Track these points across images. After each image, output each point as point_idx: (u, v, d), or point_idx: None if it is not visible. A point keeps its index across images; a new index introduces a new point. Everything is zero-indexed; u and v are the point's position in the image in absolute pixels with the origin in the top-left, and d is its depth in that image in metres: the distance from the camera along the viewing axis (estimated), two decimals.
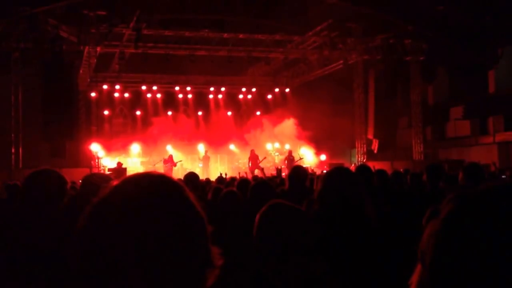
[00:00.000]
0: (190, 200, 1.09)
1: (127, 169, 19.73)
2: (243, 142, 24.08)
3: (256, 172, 19.68)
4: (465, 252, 0.84)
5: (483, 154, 20.19)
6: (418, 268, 0.96)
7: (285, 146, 23.48)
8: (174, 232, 1.01)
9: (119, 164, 19.67)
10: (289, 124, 23.63)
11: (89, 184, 3.29)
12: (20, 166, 18.98)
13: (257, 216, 2.19)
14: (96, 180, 3.29)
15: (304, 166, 13.12)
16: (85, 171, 18.50)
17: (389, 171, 6.84)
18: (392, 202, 5.03)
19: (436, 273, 0.88)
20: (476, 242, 0.83)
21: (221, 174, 13.68)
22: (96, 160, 20.39)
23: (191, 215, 1.07)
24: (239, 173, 18.19)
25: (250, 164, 21.09)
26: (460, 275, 0.84)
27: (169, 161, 21.03)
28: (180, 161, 21.70)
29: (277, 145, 24.24)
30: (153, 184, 1.08)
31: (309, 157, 22.99)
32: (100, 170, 19.88)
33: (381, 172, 5.99)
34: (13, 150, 18.96)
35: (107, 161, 20.99)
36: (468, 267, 0.83)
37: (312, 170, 17.87)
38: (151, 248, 0.98)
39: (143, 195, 1.04)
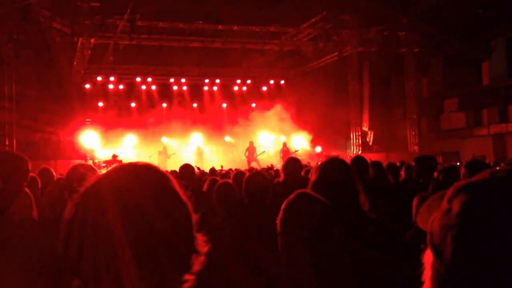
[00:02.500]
0: (174, 188, 1.13)
1: (122, 161, 19.71)
2: (238, 133, 24.08)
3: (253, 164, 19.72)
4: (489, 241, 0.85)
5: (478, 146, 20.27)
6: (429, 263, 0.96)
7: (280, 138, 23.50)
8: (158, 220, 1.04)
9: (114, 156, 19.63)
10: (278, 111, 23.63)
11: (74, 174, 3.26)
12: None
13: (283, 205, 2.24)
14: (81, 170, 3.26)
15: (299, 158, 13.12)
16: (78, 163, 18.45)
17: (384, 163, 6.86)
18: (387, 193, 5.05)
19: (459, 266, 0.89)
20: (498, 229, 0.85)
21: (214, 167, 13.61)
22: (91, 152, 20.33)
23: (176, 203, 1.11)
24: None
25: (247, 154, 21.15)
26: (486, 264, 0.85)
27: (163, 153, 21.11)
28: (174, 153, 21.72)
29: (272, 137, 24.26)
30: (138, 173, 1.12)
31: (302, 144, 23.03)
32: (95, 162, 19.85)
33: (376, 163, 6.00)
34: (7, 142, 18.86)
35: (101, 153, 20.94)
36: (493, 255, 0.84)
37: (308, 162, 17.90)
38: (136, 234, 1.02)
39: (128, 184, 1.08)
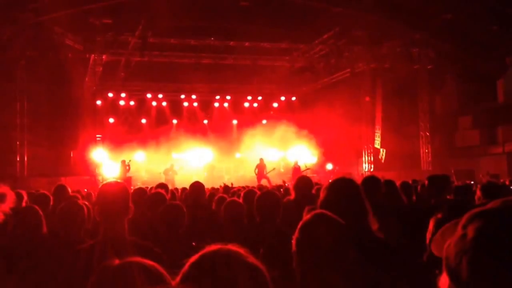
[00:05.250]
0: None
1: (132, 178, 19.64)
2: (248, 150, 23.96)
3: (263, 181, 19.50)
4: (502, 264, 0.91)
5: (493, 164, 19.92)
6: (445, 286, 1.02)
7: (291, 155, 23.31)
8: None
9: (123, 161, 19.37)
10: (289, 128, 23.48)
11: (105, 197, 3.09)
12: (25, 173, 18.91)
13: (300, 224, 2.26)
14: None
15: (310, 176, 12.96)
16: (89, 179, 18.39)
17: (397, 181, 6.66)
18: (398, 213, 4.95)
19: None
20: (511, 253, 0.92)
21: (225, 184, 13.43)
22: (98, 168, 20.24)
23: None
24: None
25: (257, 172, 20.95)
26: (500, 286, 0.91)
27: (170, 170, 20.97)
28: (180, 168, 21.60)
29: (283, 154, 24.10)
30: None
31: (313, 161, 22.81)
32: (106, 179, 19.75)
33: (389, 182, 5.81)
34: (18, 158, 18.90)
35: (112, 169, 20.84)
36: (507, 277, 0.90)
37: (318, 179, 17.66)
38: None
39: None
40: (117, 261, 1.55)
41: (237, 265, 1.29)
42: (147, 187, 8.68)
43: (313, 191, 5.31)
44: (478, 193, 4.91)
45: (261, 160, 21.28)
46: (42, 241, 3.76)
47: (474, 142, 21.67)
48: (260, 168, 21.01)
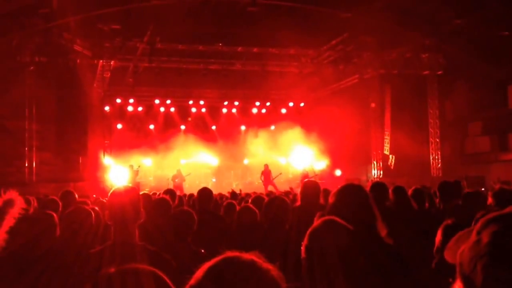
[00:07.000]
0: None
1: (140, 183, 19.62)
2: (256, 156, 23.88)
3: (270, 188, 19.40)
4: None
5: (504, 171, 19.68)
6: None
7: (299, 161, 23.20)
8: None
9: (131, 166, 19.38)
10: (298, 133, 23.38)
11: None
12: (34, 179, 18.93)
13: (309, 231, 2.26)
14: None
15: (318, 181, 12.82)
16: (97, 185, 18.39)
17: (406, 187, 6.57)
18: (407, 219, 4.90)
19: None
20: None
21: (233, 190, 13.35)
22: (109, 174, 20.25)
23: None
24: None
25: (262, 179, 20.83)
26: None
27: (178, 176, 20.89)
28: (189, 174, 21.54)
29: (291, 159, 24.00)
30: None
31: (321, 167, 22.68)
32: (114, 184, 19.69)
33: (398, 189, 5.73)
34: (26, 163, 18.93)
35: (120, 174, 20.82)
36: None
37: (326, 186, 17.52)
38: None
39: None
40: (113, 269, 1.49)
41: (252, 272, 1.24)
42: (155, 193, 8.62)
43: (321, 198, 5.22)
44: (490, 199, 4.82)
45: (266, 166, 21.15)
46: (53, 246, 3.73)
47: (485, 148, 21.45)
48: (266, 174, 20.90)
